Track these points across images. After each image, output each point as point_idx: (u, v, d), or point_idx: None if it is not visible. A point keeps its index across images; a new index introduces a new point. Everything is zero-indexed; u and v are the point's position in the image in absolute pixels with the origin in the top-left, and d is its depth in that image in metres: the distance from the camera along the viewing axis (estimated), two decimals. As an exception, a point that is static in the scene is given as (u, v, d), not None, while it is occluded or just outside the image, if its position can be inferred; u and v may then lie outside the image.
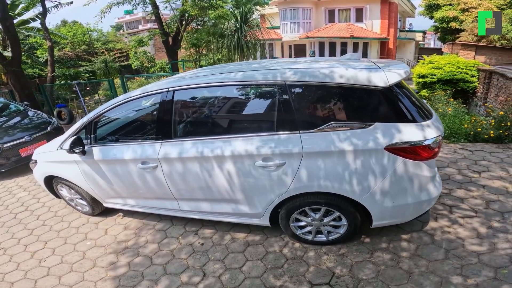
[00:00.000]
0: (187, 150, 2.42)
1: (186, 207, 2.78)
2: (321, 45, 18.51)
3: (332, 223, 2.46)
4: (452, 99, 8.06)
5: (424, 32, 25.22)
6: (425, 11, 24.50)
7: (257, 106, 2.46)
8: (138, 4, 11.02)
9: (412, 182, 2.17)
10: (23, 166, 5.08)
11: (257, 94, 2.42)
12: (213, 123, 2.62)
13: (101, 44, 22.67)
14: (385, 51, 18.97)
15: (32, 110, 6.45)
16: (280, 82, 2.21)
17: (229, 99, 2.58)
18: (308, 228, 2.54)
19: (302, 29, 19.14)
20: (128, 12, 39.33)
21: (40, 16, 10.54)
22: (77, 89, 8.62)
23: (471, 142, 4.72)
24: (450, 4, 22.03)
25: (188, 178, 2.53)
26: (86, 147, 2.84)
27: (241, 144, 2.27)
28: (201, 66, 12.07)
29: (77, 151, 2.77)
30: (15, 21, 9.74)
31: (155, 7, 10.93)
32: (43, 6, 9.84)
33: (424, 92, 10.19)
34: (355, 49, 18.20)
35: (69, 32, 20.98)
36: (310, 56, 17.03)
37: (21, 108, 6.35)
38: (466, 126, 5.18)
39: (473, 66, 10.28)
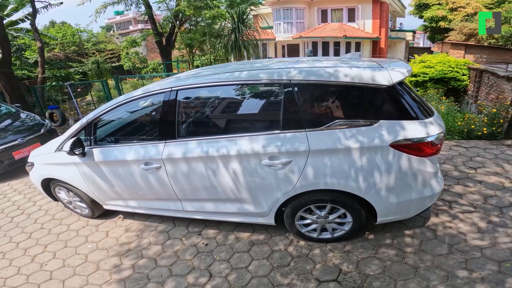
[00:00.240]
0: (192, 150, 2.40)
1: (190, 207, 2.76)
2: (314, 45, 18.61)
3: (337, 220, 2.48)
4: (445, 97, 8.21)
5: (414, 32, 25.60)
6: (415, 10, 24.88)
7: (262, 105, 2.46)
8: (132, 5, 10.89)
9: (416, 178, 2.21)
10: (17, 169, 4.97)
11: (262, 93, 2.42)
12: (218, 123, 2.61)
13: (91, 45, 22.33)
14: (377, 51, 19.19)
15: (25, 112, 6.30)
16: (286, 81, 2.22)
17: (233, 98, 2.58)
18: (313, 226, 2.55)
19: (295, 29, 19.22)
20: (118, 13, 38.86)
21: (29, 17, 10.33)
22: (69, 90, 8.47)
23: (465, 139, 4.82)
24: (439, 4, 22.44)
25: (192, 178, 2.51)
26: (86, 149, 2.80)
27: (247, 143, 2.27)
28: (197, 67, 12.01)
29: (77, 152, 2.72)
30: (4, 22, 9.52)
31: (148, 7, 10.82)
32: (33, 6, 9.64)
33: (416, 91, 10.36)
34: (347, 49, 18.37)
35: (58, 33, 20.60)
36: (308, 56, 17.10)
37: (13, 110, 6.21)
38: (459, 123, 5.29)
39: (464, 65, 10.49)
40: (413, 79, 10.55)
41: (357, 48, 18.52)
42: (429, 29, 24.28)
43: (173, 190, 2.65)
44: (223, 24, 8.95)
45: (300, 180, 2.24)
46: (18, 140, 5.00)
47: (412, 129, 2.09)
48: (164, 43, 12.02)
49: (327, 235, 2.58)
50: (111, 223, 3.31)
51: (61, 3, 11.52)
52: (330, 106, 2.28)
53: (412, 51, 25.49)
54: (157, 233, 3.02)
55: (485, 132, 4.77)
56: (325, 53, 18.49)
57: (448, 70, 10.27)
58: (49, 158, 3.14)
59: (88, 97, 16.47)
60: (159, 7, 11.53)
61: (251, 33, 7.88)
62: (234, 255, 2.60)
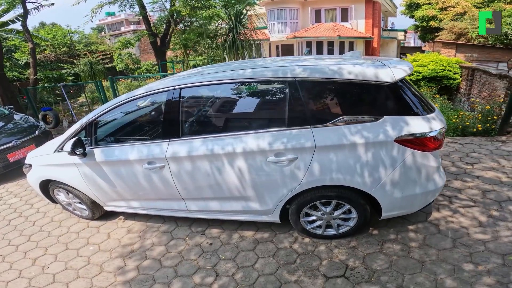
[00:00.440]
0: (197, 148, 2.38)
1: (194, 207, 2.74)
2: (308, 44, 18.72)
3: (342, 216, 2.49)
4: (438, 96, 8.34)
5: (405, 31, 25.96)
6: (406, 10, 25.22)
7: (267, 103, 2.46)
8: (125, 6, 10.78)
9: (420, 172, 2.24)
10: (12, 172, 4.87)
11: (267, 90, 2.42)
12: (223, 120, 2.60)
13: (83, 46, 22.04)
14: (370, 50, 19.39)
15: (18, 113, 6.19)
16: (291, 78, 2.23)
17: (238, 96, 2.57)
18: (318, 223, 2.56)
19: (290, 29, 19.31)
20: (109, 14, 38.44)
21: (20, 18, 10.14)
22: (63, 92, 8.35)
23: (460, 136, 4.90)
24: (429, 3, 22.79)
25: (197, 176, 2.49)
26: (86, 149, 2.75)
27: (252, 140, 2.27)
28: (195, 66, 11.95)
29: (78, 152, 2.68)
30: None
31: (143, 8, 10.73)
32: (24, 7, 9.48)
33: (410, 89, 10.48)
34: (341, 48, 18.52)
35: (49, 34, 20.28)
36: (305, 55, 17.17)
37: (6, 112, 6.09)
38: (454, 120, 5.38)
39: (456, 64, 10.67)
40: (406, 77, 10.69)
41: (351, 48, 18.69)
42: (420, 28, 24.64)
43: (177, 189, 2.63)
44: (219, 24, 8.92)
45: (306, 176, 2.25)
46: (13, 142, 4.90)
47: (416, 125, 2.12)
48: (158, 44, 11.94)
49: (332, 232, 2.60)
50: (112, 224, 3.26)
51: (53, 4, 11.35)
52: (335, 102, 2.30)
53: (403, 50, 25.84)
54: (160, 234, 2.99)
55: (479, 128, 4.87)
56: (319, 52, 18.61)
57: (441, 69, 10.43)
58: (48, 159, 3.09)
59: (81, 99, 16.23)
60: (153, 7, 11.47)
61: (248, 33, 7.90)
62: (240, 254, 2.59)
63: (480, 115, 5.27)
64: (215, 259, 2.57)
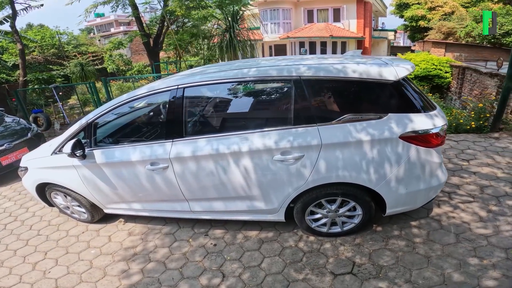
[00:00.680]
0: (202, 148, 2.36)
1: (197, 207, 2.71)
2: (302, 44, 18.80)
3: (347, 213, 2.50)
4: (430, 94, 8.49)
5: (395, 31, 26.34)
6: (396, 10, 25.59)
7: (272, 101, 2.46)
8: (118, 6, 10.63)
9: (424, 168, 2.27)
10: (5, 176, 4.75)
11: (272, 89, 2.42)
12: (227, 120, 2.58)
13: (72, 47, 21.63)
14: (361, 50, 19.59)
15: (10, 116, 6.04)
16: (296, 77, 2.23)
17: (242, 95, 2.56)
18: (323, 220, 2.57)
19: (283, 29, 19.36)
20: (98, 15, 37.88)
21: (8, 19, 9.90)
22: (54, 93, 8.18)
23: (454, 133, 4.99)
24: (418, 3, 23.19)
25: (201, 177, 2.47)
26: (86, 150, 2.70)
27: (258, 139, 2.26)
28: (191, 67, 11.86)
29: (78, 154, 2.62)
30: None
31: (135, 8, 10.60)
32: (13, 8, 9.27)
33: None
34: (333, 48, 18.67)
35: (37, 35, 19.84)
36: (302, 55, 17.24)
37: (-4, 114, 5.93)
38: (448, 118, 5.48)
39: (446, 63, 10.89)
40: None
41: (343, 48, 18.85)
42: (409, 28, 25.04)
43: (181, 190, 2.60)
44: (213, 25, 8.86)
45: (313, 174, 2.25)
46: (5, 145, 4.78)
47: (419, 121, 2.16)
48: (151, 45, 11.81)
49: (336, 229, 2.61)
50: (112, 227, 3.21)
51: (42, 5, 11.13)
52: (340, 100, 2.31)
53: (393, 50, 26.21)
54: (163, 236, 2.95)
55: (473, 126, 4.97)
56: (312, 53, 18.71)
57: (432, 68, 10.63)
58: (44, 162, 3.01)
59: (71, 101, 15.92)
60: (146, 8, 11.35)
61: (244, 33, 7.88)
62: (245, 254, 2.58)
63: (473, 112, 5.38)
64: (221, 260, 2.55)
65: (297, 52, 19.04)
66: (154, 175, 2.58)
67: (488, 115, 5.22)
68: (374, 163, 2.20)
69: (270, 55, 20.90)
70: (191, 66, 11.72)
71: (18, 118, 6.06)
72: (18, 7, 9.83)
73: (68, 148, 2.57)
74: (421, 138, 2.18)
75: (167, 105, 2.51)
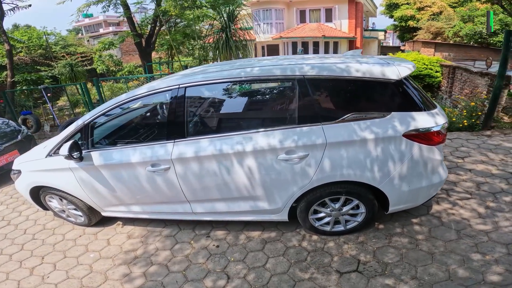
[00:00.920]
0: (204, 148, 2.33)
1: (199, 209, 2.67)
2: (294, 44, 18.88)
3: (351, 211, 2.51)
4: (422, 93, 8.63)
5: (385, 31, 26.74)
6: (386, 10, 25.97)
7: (276, 100, 2.44)
8: (109, 6, 10.45)
9: (426, 165, 2.29)
10: (-5, 180, 4.60)
11: (276, 88, 2.41)
12: (230, 119, 2.55)
13: (60, 48, 21.17)
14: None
15: (-1, 118, 5.86)
16: (299, 76, 2.23)
17: (245, 94, 2.53)
18: (327, 219, 2.57)
19: (275, 30, 19.40)
20: (87, 16, 37.24)
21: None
22: (44, 94, 7.99)
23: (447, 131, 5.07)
24: (407, 3, 23.59)
25: (204, 177, 2.43)
26: (83, 152, 2.63)
27: (262, 138, 2.24)
28: (186, 67, 11.74)
29: (75, 156, 2.55)
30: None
31: (127, 8, 10.44)
32: (0, 8, 9.01)
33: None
34: (326, 48, 18.80)
35: (24, 36, 19.33)
36: (299, 54, 17.31)
37: (-16, 116, 5.75)
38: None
39: (436, 62, 11.08)
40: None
41: (335, 48, 19.01)
42: (398, 28, 25.44)
43: (182, 191, 2.56)
44: (205, 25, 8.80)
45: (317, 173, 2.25)
46: (-5, 148, 4.63)
47: (422, 120, 2.18)
48: (143, 45, 11.65)
49: (340, 228, 2.61)
50: (110, 230, 3.14)
51: (30, 5, 10.87)
52: (344, 99, 2.32)
53: (383, 50, 26.58)
54: (163, 238, 2.90)
55: (465, 124, 5.06)
56: (304, 53, 18.79)
57: (423, 68, 10.80)
58: (39, 165, 2.93)
59: (60, 102, 15.56)
60: (138, 8, 11.17)
61: (240, 32, 7.85)
62: (249, 255, 2.55)
63: (465, 111, 5.49)
64: (224, 261, 2.52)
65: (290, 52, 19.10)
66: (155, 176, 2.54)
67: (479, 113, 5.33)
68: (378, 161, 2.21)
69: (263, 55, 20.92)
70: (186, 67, 11.61)
71: (7, 120, 5.88)
72: (5, 7, 9.58)
73: (65, 150, 2.49)
74: (423, 136, 2.20)
75: (168, 105, 2.47)
